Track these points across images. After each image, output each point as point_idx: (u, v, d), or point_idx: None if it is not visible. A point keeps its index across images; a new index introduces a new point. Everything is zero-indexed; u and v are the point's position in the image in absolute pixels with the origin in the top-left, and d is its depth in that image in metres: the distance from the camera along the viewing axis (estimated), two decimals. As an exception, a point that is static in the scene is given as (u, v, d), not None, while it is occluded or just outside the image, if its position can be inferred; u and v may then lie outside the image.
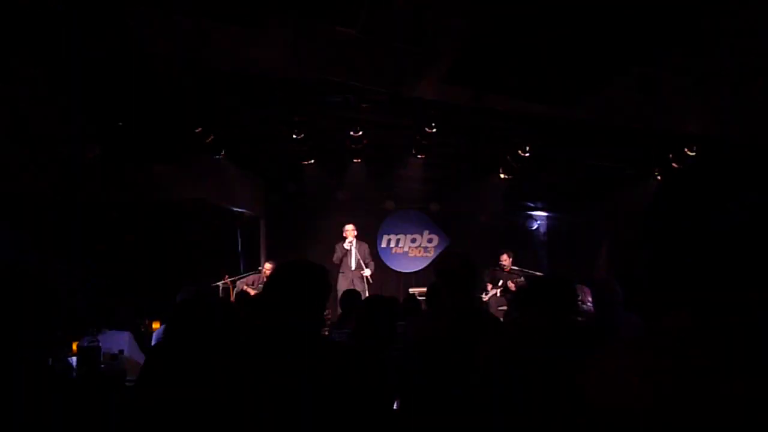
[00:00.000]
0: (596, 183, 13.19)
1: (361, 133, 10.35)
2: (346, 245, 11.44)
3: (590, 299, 4.72)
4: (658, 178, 11.73)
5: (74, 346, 5.01)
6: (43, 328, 2.00)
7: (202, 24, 7.34)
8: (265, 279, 10.98)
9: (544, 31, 6.54)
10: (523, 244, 14.51)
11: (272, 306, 2.66)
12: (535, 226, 10.19)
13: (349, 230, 11.53)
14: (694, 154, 9.92)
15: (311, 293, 2.71)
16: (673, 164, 10.38)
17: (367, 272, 11.36)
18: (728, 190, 10.58)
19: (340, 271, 11.43)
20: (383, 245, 15.82)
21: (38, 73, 8.21)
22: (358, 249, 11.45)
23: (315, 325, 2.71)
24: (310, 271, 2.77)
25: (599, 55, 6.77)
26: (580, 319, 4.77)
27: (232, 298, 10.34)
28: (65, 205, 10.43)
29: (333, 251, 11.65)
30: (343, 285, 10.86)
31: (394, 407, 3.87)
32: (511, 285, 11.78)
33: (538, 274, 11.80)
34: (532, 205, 15.25)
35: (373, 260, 11.90)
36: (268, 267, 11.42)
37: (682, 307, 2.12)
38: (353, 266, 11.31)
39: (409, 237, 15.93)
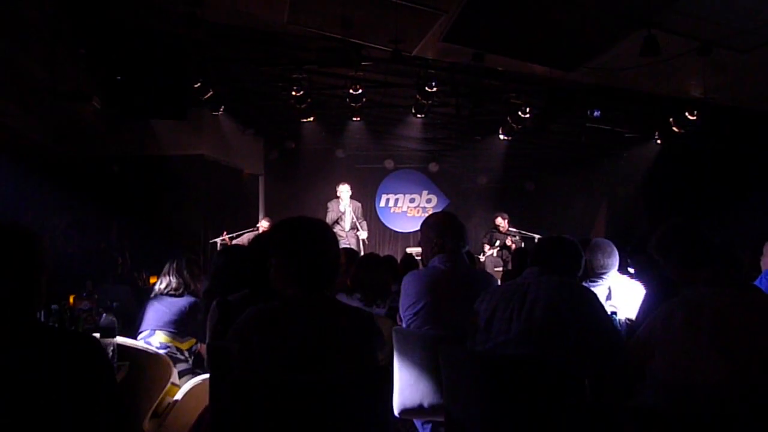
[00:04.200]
0: (597, 145, 13.16)
1: (360, 91, 10.27)
2: (342, 207, 11.16)
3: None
4: (658, 141, 11.69)
5: (71, 299, 5.03)
6: (30, 281, 1.99)
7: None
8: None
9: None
10: (520, 205, 14.56)
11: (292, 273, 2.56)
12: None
13: (344, 190, 11.21)
14: (695, 118, 9.86)
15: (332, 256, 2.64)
16: (674, 128, 10.32)
17: (363, 235, 11.21)
18: (729, 154, 10.59)
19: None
20: (381, 204, 15.85)
21: (39, 24, 8.16)
22: (353, 209, 11.23)
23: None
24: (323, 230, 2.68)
25: (601, 16, 6.72)
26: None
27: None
28: (63, 158, 10.43)
29: (327, 210, 11.39)
30: (336, 245, 10.71)
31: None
32: (509, 242, 11.84)
33: (535, 235, 11.83)
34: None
35: (365, 220, 11.69)
36: (264, 225, 11.35)
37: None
38: (347, 227, 11.12)
39: (408, 197, 15.96)
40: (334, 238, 2.70)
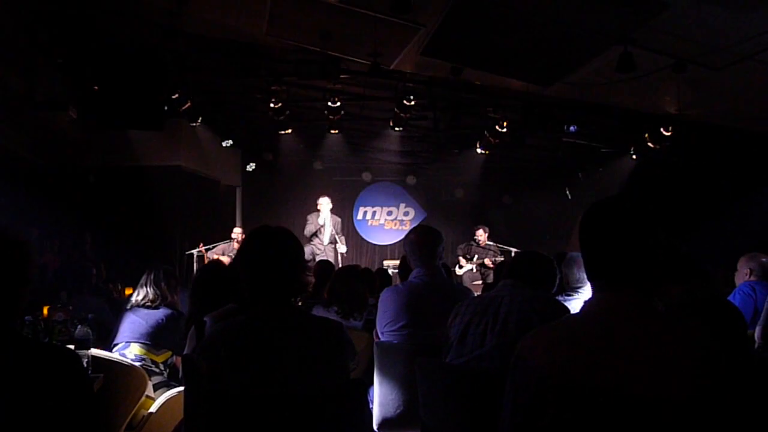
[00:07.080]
0: (573, 160, 13.26)
1: (338, 103, 10.29)
2: (321, 220, 11.17)
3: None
4: (634, 157, 11.81)
5: (45, 311, 4.98)
6: (13, 290, 1.96)
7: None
8: (236, 246, 10.94)
9: (524, 8, 6.54)
10: (497, 218, 14.60)
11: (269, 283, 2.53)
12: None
13: (324, 203, 11.23)
14: (669, 134, 9.98)
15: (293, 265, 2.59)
16: (649, 144, 10.42)
17: (342, 249, 11.21)
18: (703, 170, 10.71)
19: (311, 243, 11.16)
20: (359, 217, 15.85)
21: (16, 34, 8.10)
22: (333, 223, 11.23)
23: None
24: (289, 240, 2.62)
25: (578, 32, 6.79)
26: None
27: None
28: (39, 168, 10.34)
29: (306, 222, 11.39)
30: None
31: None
32: (488, 262, 11.82)
33: (512, 249, 11.88)
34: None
35: (343, 234, 11.71)
36: (237, 231, 11.35)
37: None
38: (326, 240, 11.12)
39: (386, 209, 15.97)
40: (296, 247, 2.62)
